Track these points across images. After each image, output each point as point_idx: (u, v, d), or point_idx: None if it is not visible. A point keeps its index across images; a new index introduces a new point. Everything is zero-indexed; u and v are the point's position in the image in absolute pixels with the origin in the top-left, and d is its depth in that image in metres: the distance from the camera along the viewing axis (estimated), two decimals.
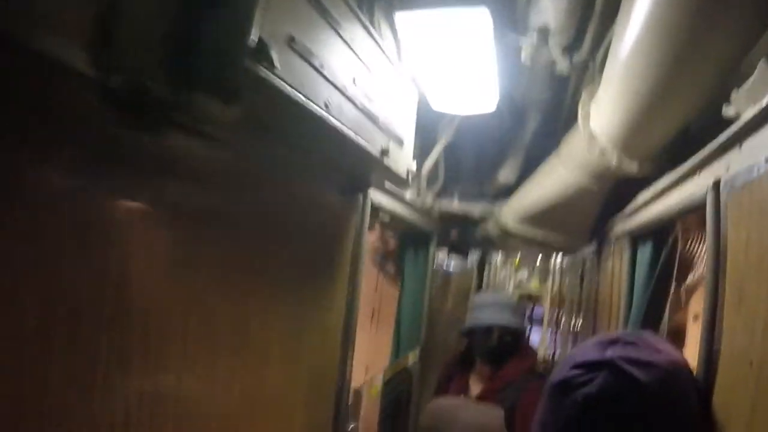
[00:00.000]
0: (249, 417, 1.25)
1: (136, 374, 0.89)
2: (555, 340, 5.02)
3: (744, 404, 0.94)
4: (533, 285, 5.53)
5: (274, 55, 0.90)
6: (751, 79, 0.93)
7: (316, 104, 1.08)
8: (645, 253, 1.71)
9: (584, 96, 1.78)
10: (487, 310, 2.41)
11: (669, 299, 1.69)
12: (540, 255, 4.81)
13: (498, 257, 4.66)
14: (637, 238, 1.79)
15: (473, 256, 3.50)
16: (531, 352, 2.51)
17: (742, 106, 0.99)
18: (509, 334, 2.38)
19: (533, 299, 5.71)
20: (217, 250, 1.10)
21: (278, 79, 0.93)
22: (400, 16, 1.56)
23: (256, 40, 0.86)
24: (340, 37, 1.17)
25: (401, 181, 1.65)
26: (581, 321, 3.71)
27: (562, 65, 1.84)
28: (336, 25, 1.13)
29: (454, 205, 2.65)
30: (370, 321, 3.43)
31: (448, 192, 2.69)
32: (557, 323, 5.01)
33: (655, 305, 1.68)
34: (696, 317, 2.43)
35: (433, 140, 2.36)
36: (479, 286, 4.32)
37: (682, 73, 1.16)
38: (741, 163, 0.97)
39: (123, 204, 0.87)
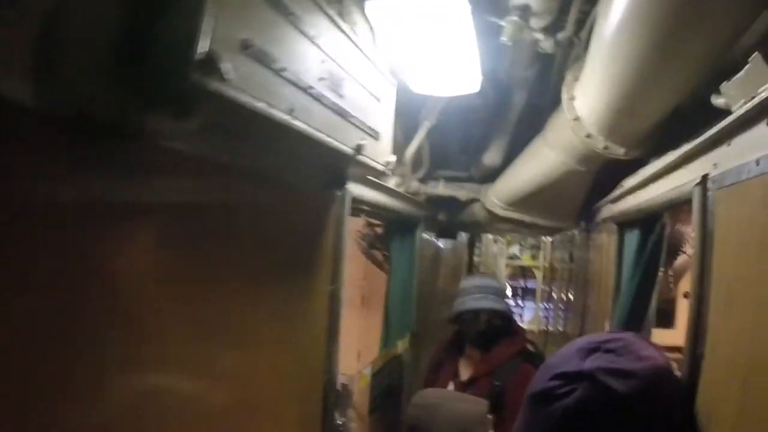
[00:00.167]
0: (236, 415, 1.24)
1: (121, 372, 0.88)
2: (548, 311, 5.07)
3: (729, 409, 0.93)
4: (525, 259, 5.54)
5: (226, 65, 0.84)
6: (743, 71, 0.87)
7: (278, 110, 1.02)
8: (632, 239, 1.68)
9: (568, 77, 1.72)
10: (473, 295, 2.40)
11: (656, 285, 1.67)
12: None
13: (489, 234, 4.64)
14: (624, 224, 1.76)
15: (462, 238, 3.47)
16: (520, 334, 2.50)
17: (732, 99, 0.94)
18: (497, 317, 2.39)
19: (525, 272, 5.73)
20: (195, 251, 1.07)
21: (232, 90, 0.87)
22: (372, 4, 1.48)
23: (205, 51, 0.80)
24: (304, 34, 1.10)
25: (380, 174, 1.59)
26: (573, 294, 3.73)
27: (545, 44, 1.77)
28: (298, 23, 1.06)
29: (440, 188, 2.59)
30: (360, 307, 3.44)
31: (434, 176, 2.63)
32: (550, 295, 5.05)
33: (643, 291, 1.66)
34: (686, 294, 2.43)
35: (417, 124, 2.30)
36: (470, 261, 4.32)
37: (669, 57, 1.10)
38: (730, 160, 0.93)
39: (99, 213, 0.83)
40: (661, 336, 3.22)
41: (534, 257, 5.38)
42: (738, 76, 0.90)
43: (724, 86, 0.95)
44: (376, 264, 3.04)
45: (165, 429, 0.99)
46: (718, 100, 0.99)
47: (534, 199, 2.25)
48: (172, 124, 0.90)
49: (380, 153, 1.55)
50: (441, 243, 3.21)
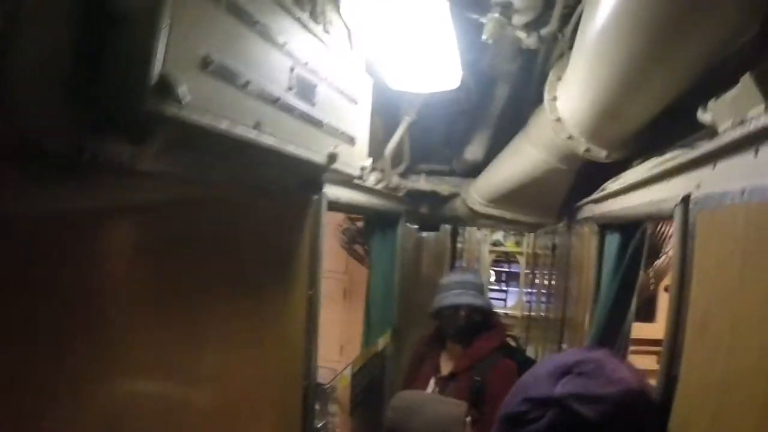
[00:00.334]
0: (216, 418, 1.23)
1: (99, 378, 0.87)
2: (531, 296, 5.11)
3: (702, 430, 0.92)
4: (509, 245, 5.56)
5: (183, 89, 0.78)
6: (732, 92, 0.84)
7: (243, 126, 0.97)
8: (613, 242, 1.67)
9: (551, 77, 1.67)
10: (453, 291, 2.41)
11: (637, 288, 1.66)
12: None
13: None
14: (605, 226, 1.74)
15: (446, 228, 3.44)
16: (500, 329, 2.51)
17: (719, 118, 0.91)
18: (477, 313, 2.39)
19: (509, 257, 5.76)
20: (172, 264, 1.05)
21: (190, 113, 0.82)
22: (348, 2, 1.41)
23: (157, 76, 0.74)
24: (271, 42, 1.04)
25: (355, 179, 1.55)
26: (555, 279, 3.74)
27: (529, 41, 1.72)
28: (264, 31, 1.01)
29: (422, 183, 2.55)
30: (342, 301, 3.43)
31: (415, 169, 2.59)
32: (533, 280, 5.08)
33: (624, 294, 1.65)
34: (666, 288, 2.44)
35: (397, 118, 2.24)
36: (453, 248, 4.31)
37: (655, 65, 1.06)
38: (713, 183, 0.91)
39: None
40: (642, 330, 3.27)
41: (518, 243, 5.40)
42: (726, 95, 0.86)
43: (712, 104, 0.91)
44: (357, 259, 3.02)
45: (147, 426, 0.98)
46: (704, 116, 0.96)
47: (515, 196, 2.23)
48: (129, 151, 0.85)
49: (355, 158, 1.50)
50: (424, 235, 3.19)
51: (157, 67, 0.74)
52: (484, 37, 1.62)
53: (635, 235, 1.51)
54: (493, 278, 6.84)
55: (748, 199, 0.76)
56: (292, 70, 1.13)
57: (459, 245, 4.42)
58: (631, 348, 1.84)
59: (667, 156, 1.27)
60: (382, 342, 2.49)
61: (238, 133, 0.95)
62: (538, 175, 1.98)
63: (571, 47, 1.77)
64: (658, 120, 1.37)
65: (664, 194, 1.15)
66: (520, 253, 5.31)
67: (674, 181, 1.08)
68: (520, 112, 2.30)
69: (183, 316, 1.08)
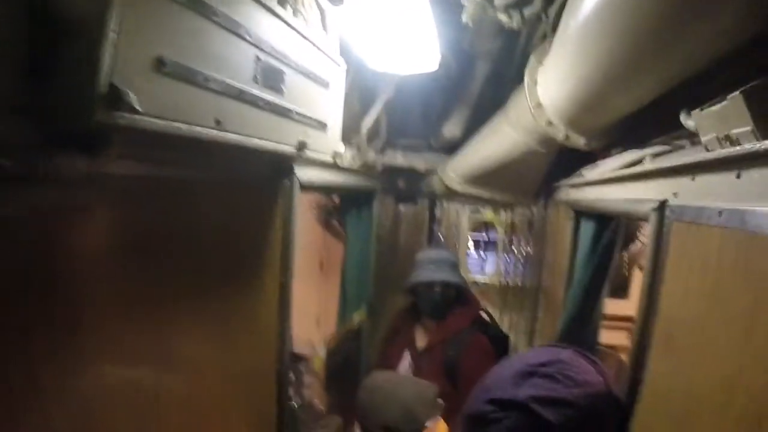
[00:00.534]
0: (192, 401, 1.24)
1: (73, 371, 0.87)
2: (509, 264, 5.17)
3: None
4: (487, 215, 5.58)
5: (133, 97, 0.73)
6: (720, 107, 0.79)
7: (203, 126, 0.92)
8: (588, 229, 1.66)
9: (533, 60, 1.62)
10: (429, 267, 2.42)
11: (609, 274, 1.67)
12: None
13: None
14: (580, 212, 1.73)
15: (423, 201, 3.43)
16: (474, 304, 2.54)
17: (702, 128, 0.87)
18: (451, 289, 2.42)
19: (488, 224, 5.79)
20: (142, 259, 1.04)
21: (145, 119, 0.77)
22: None
23: (107, 86, 0.69)
24: (233, 32, 0.98)
25: (327, 164, 1.50)
26: (532, 249, 3.78)
27: (511, 23, 1.65)
28: (225, 21, 0.94)
29: (398, 159, 2.50)
30: (319, 274, 3.41)
31: (392, 144, 2.53)
32: (510, 248, 5.13)
33: (597, 280, 1.66)
34: (641, 268, 2.47)
35: (374, 92, 2.17)
36: (431, 217, 4.31)
37: (639, 63, 1.01)
38: (691, 195, 0.89)
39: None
40: (615, 306, 3.33)
41: (496, 212, 5.41)
42: (713, 108, 0.82)
43: (697, 113, 0.88)
44: (334, 234, 2.98)
45: (123, 418, 1.00)
46: (687, 122, 0.93)
47: (492, 176, 2.20)
48: (85, 161, 0.80)
49: (328, 143, 1.45)
50: (402, 207, 3.16)
51: (105, 75, 0.70)
52: (464, 18, 1.55)
53: (610, 225, 1.51)
54: (471, 246, 6.91)
55: (725, 222, 0.75)
56: (257, 59, 1.07)
57: (437, 214, 4.43)
58: (604, 323, 1.87)
59: (648, 151, 1.25)
60: (357, 318, 2.50)
61: (197, 132, 0.90)
62: (516, 156, 1.95)
63: (554, 29, 1.71)
64: (641, 111, 1.34)
65: (641, 194, 1.13)
66: (499, 223, 5.34)
67: (652, 183, 1.06)
68: (500, 90, 2.25)
69: (154, 309, 1.07)
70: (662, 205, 0.98)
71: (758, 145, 0.66)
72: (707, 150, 0.83)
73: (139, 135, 0.79)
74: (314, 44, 1.32)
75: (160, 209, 1.09)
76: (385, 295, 3.01)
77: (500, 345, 2.50)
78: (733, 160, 0.72)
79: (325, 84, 1.41)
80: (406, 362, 2.47)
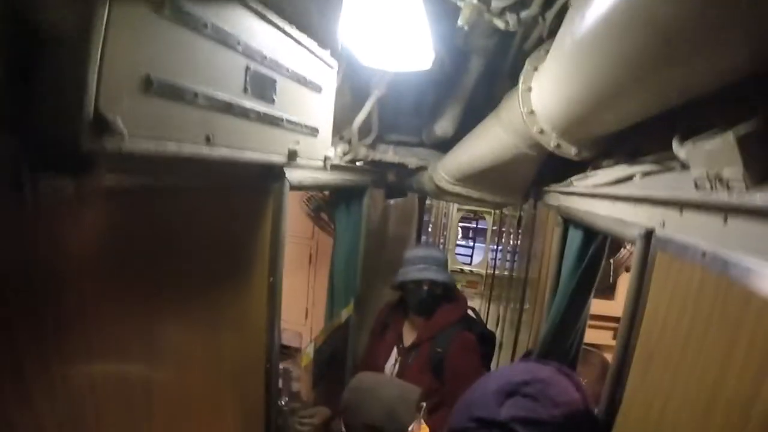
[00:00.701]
0: (182, 400, 1.25)
1: (65, 370, 0.87)
2: (497, 253, 5.21)
3: None
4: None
5: (122, 117, 0.72)
6: (711, 144, 0.79)
7: (192, 143, 0.90)
8: (576, 237, 1.67)
9: (528, 66, 1.60)
10: (416, 266, 2.45)
11: (596, 283, 1.69)
12: None
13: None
14: (568, 219, 1.73)
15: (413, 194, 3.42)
16: (462, 301, 2.57)
17: (692, 160, 0.87)
18: (439, 287, 2.44)
19: (477, 214, 5.80)
20: (136, 263, 1.04)
21: (132, 142, 0.75)
22: None
23: (92, 112, 0.67)
24: (223, 44, 0.95)
25: (318, 168, 1.49)
26: (519, 241, 3.80)
27: (507, 27, 1.63)
28: (213, 33, 0.92)
29: (390, 155, 2.49)
30: (308, 265, 3.41)
31: (384, 139, 2.51)
32: (499, 237, 5.16)
33: (582, 289, 1.68)
34: (627, 268, 2.49)
35: (367, 87, 2.14)
36: (422, 207, 4.32)
37: (639, 85, 0.98)
38: (678, 229, 0.90)
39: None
40: (602, 306, 3.39)
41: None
42: (705, 145, 0.81)
43: (689, 146, 0.87)
44: (323, 227, 2.97)
45: (113, 415, 1.00)
46: (679, 151, 0.92)
47: (483, 177, 2.19)
48: (70, 185, 0.79)
49: (318, 148, 1.44)
50: (392, 202, 3.16)
51: (90, 101, 0.68)
52: (460, 22, 1.53)
53: (598, 236, 1.52)
54: (460, 235, 6.94)
55: (708, 264, 0.75)
56: (247, 69, 1.05)
57: (427, 202, 4.43)
58: (591, 323, 1.89)
59: (638, 169, 1.25)
60: (345, 313, 2.51)
61: (186, 150, 0.89)
62: (506, 158, 1.94)
63: (551, 32, 1.69)
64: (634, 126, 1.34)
65: (629, 214, 1.13)
66: (488, 212, 5.36)
67: (641, 207, 1.07)
68: (494, 86, 2.24)
69: (146, 310, 1.07)
70: (649, 234, 0.99)
71: (746, 198, 0.66)
72: (696, 186, 0.83)
73: (125, 159, 0.77)
74: (308, 48, 1.29)
75: (148, 214, 1.07)
76: (373, 284, 3.02)
77: (486, 342, 2.54)
78: (723, 206, 0.72)
79: (317, 88, 1.39)
80: (393, 357, 2.50)
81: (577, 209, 1.57)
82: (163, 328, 1.15)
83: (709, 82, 0.84)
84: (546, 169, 2.11)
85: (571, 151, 1.56)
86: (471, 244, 7.01)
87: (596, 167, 1.60)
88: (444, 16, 1.78)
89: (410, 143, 2.57)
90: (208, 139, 0.94)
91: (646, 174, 1.25)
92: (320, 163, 1.45)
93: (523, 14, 1.66)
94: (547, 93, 1.44)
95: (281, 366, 1.83)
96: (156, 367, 1.14)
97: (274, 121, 1.17)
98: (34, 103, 0.69)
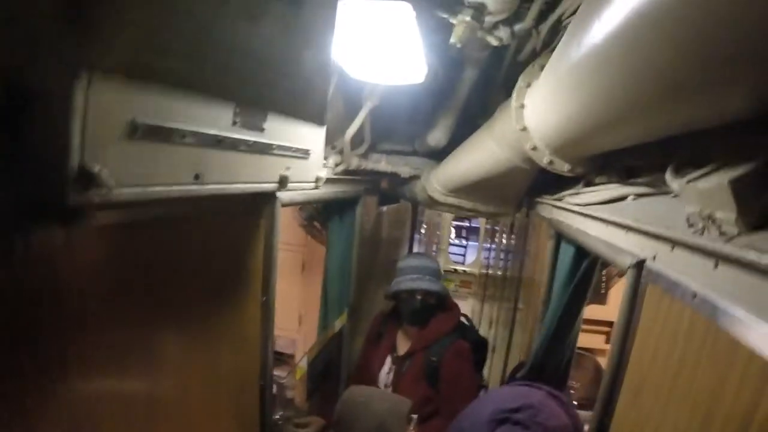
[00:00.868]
0: (179, 417, 1.26)
1: (64, 385, 0.87)
2: (490, 252, 5.22)
3: None
4: None
5: (108, 166, 0.71)
6: (705, 186, 0.77)
7: (180, 184, 0.89)
8: (567, 252, 1.67)
9: (521, 82, 1.59)
10: (410, 275, 2.45)
11: (587, 297, 1.69)
12: None
13: None
14: (560, 234, 1.74)
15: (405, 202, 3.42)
16: (455, 310, 2.57)
17: (687, 197, 0.86)
18: (432, 297, 2.44)
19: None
20: (133, 282, 1.05)
21: (119, 191, 0.74)
22: None
23: (77, 167, 0.66)
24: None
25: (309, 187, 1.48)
26: (514, 240, 3.81)
27: (501, 42, 1.62)
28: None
29: (383, 164, 2.48)
30: (301, 272, 3.40)
31: (377, 149, 2.50)
32: (493, 235, 5.17)
33: (574, 306, 1.68)
34: (620, 274, 2.50)
35: (360, 96, 2.13)
36: (415, 208, 4.32)
37: (632, 116, 0.97)
38: (669, 264, 0.89)
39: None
40: (595, 311, 3.41)
41: None
42: (699, 185, 0.81)
43: (682, 183, 0.86)
44: (315, 236, 2.96)
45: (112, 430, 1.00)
46: (672, 183, 0.91)
47: (476, 188, 2.19)
48: (59, 234, 0.78)
49: (311, 170, 1.43)
50: (384, 209, 3.15)
51: (76, 155, 0.66)
52: (452, 40, 1.52)
53: (589, 254, 1.52)
54: (453, 234, 6.94)
55: (697, 307, 0.75)
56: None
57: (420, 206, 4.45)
58: (584, 327, 1.91)
59: (632, 190, 1.25)
60: (338, 323, 2.51)
61: (174, 191, 0.88)
62: (500, 171, 1.94)
63: (545, 45, 1.69)
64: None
65: (621, 240, 1.13)
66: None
67: (632, 234, 1.07)
68: (487, 97, 2.23)
69: (145, 333, 1.08)
70: (641, 264, 0.99)
71: (738, 246, 0.66)
72: (689, 222, 0.83)
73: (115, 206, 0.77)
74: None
75: (141, 244, 1.07)
76: (366, 287, 3.02)
77: (480, 349, 2.56)
78: (711, 251, 0.72)
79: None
80: (387, 366, 2.51)
81: (570, 225, 1.58)
82: (161, 349, 1.15)
83: (707, 121, 0.84)
84: (539, 178, 2.11)
85: (564, 167, 1.56)
86: (464, 243, 7.02)
87: (589, 183, 1.61)
88: (438, 27, 1.76)
89: (403, 152, 2.56)
90: (197, 177, 0.93)
91: (639, 196, 1.26)
92: (312, 185, 1.44)
93: (517, 27, 1.65)
94: (540, 112, 1.44)
95: (275, 372, 1.83)
96: (155, 386, 1.15)
97: (264, 149, 1.15)
98: (19, 157, 0.68)
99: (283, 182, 1.25)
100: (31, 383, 0.80)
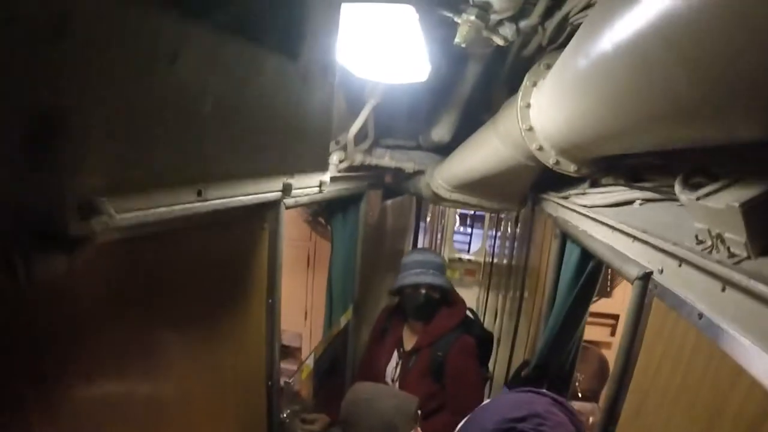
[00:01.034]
0: (188, 417, 1.27)
1: (72, 390, 0.88)
2: (495, 240, 5.21)
3: None
4: None
5: (109, 205, 0.70)
6: (715, 207, 0.75)
7: (183, 203, 0.89)
8: (573, 252, 1.66)
9: (527, 81, 1.57)
10: (414, 270, 2.45)
11: (592, 297, 1.69)
12: None
13: None
14: (566, 234, 1.72)
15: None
16: (460, 304, 2.57)
17: (696, 215, 0.85)
18: (436, 291, 2.44)
19: None
20: (142, 289, 1.05)
21: (121, 218, 0.74)
22: None
23: (78, 198, 0.66)
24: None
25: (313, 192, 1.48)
26: (519, 229, 3.80)
27: (507, 42, 1.60)
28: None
29: (386, 160, 2.46)
30: (307, 267, 3.41)
31: (380, 144, 2.48)
32: (497, 226, 5.15)
33: (579, 308, 1.68)
34: None
35: (363, 93, 2.11)
36: (419, 204, 4.32)
37: (638, 125, 0.92)
38: (676, 280, 0.88)
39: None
40: (601, 304, 3.40)
41: None
42: (708, 204, 0.78)
43: (691, 201, 0.84)
44: (320, 233, 2.96)
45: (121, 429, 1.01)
46: (681, 195, 0.89)
47: (480, 184, 2.18)
48: (61, 262, 0.78)
49: (314, 175, 1.42)
50: (389, 202, 3.14)
51: (78, 189, 0.66)
52: (457, 40, 1.49)
53: (594, 256, 1.51)
54: (458, 223, 6.92)
55: (703, 328, 0.75)
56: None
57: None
58: (589, 320, 1.91)
59: (638, 194, 1.24)
60: (343, 320, 2.52)
61: (177, 212, 0.88)
62: (505, 169, 1.92)
63: (550, 41, 1.66)
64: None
65: (628, 248, 1.12)
66: None
67: (639, 246, 1.06)
68: (491, 93, 2.20)
69: (153, 338, 1.09)
70: (647, 276, 0.98)
71: (746, 272, 0.65)
72: (697, 239, 0.82)
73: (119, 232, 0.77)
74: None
75: (147, 254, 1.06)
76: (372, 280, 3.02)
77: (484, 344, 2.57)
78: (719, 274, 0.71)
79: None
80: (393, 361, 2.53)
81: (576, 227, 1.57)
82: (170, 353, 1.17)
83: (715, 141, 0.82)
84: (544, 174, 2.10)
85: (570, 168, 1.55)
86: (469, 231, 7.01)
87: (595, 183, 1.59)
88: (441, 22, 1.74)
89: (407, 147, 2.54)
90: (199, 193, 0.93)
91: (646, 201, 1.24)
92: (315, 189, 1.43)
93: (522, 24, 1.62)
94: (546, 113, 1.42)
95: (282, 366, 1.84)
96: (167, 389, 1.16)
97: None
98: (22, 188, 0.67)
99: (287, 190, 1.25)
100: (50, 388, 0.81)
